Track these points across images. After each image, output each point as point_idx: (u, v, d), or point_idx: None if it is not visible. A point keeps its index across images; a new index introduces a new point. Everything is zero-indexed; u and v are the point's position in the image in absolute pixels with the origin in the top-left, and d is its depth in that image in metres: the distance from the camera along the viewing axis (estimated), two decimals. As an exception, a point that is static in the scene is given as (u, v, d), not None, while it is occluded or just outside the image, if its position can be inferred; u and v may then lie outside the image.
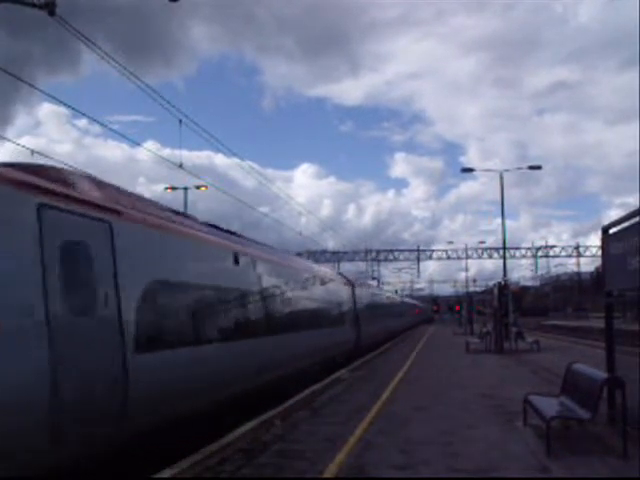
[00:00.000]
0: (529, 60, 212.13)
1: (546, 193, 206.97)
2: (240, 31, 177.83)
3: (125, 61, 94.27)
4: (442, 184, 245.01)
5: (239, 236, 12.38)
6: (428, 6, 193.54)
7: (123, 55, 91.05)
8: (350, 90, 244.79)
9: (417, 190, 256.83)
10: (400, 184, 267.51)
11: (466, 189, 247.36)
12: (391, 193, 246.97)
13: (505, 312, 26.02)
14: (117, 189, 7.76)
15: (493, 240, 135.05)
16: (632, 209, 7.90)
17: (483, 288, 74.29)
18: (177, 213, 9.84)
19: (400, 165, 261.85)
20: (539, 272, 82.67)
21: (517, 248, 67.30)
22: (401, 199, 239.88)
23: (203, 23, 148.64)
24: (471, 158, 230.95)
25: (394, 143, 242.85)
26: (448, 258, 67.06)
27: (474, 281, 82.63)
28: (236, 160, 22.14)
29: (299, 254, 32.84)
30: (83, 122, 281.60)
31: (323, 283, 19.22)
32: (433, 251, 68.74)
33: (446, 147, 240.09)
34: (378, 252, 66.18)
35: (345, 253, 63.12)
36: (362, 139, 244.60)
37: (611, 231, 8.65)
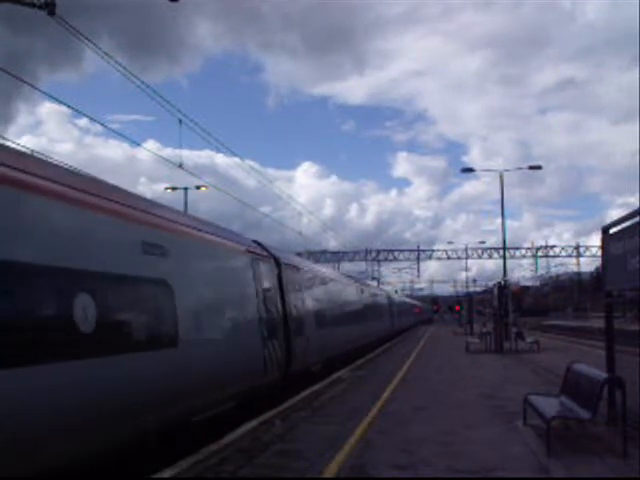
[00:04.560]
0: (536, 58, 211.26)
1: (549, 193, 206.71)
2: (244, 28, 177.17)
3: (129, 58, 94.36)
4: (445, 184, 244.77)
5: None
6: (435, 2, 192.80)
7: (128, 52, 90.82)
8: (354, 88, 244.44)
9: (419, 190, 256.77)
10: (402, 184, 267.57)
11: (469, 188, 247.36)
12: (393, 193, 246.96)
13: (505, 312, 26.03)
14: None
15: (495, 240, 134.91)
16: (633, 209, 7.89)
17: (483, 288, 74.38)
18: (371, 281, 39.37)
19: (402, 165, 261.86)
20: (539, 272, 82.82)
21: (517, 248, 67.38)
22: (403, 199, 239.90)
23: (207, 20, 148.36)
24: (474, 157, 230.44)
25: (396, 142, 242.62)
26: (448, 258, 67.10)
27: (474, 281, 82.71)
28: (236, 160, 22.15)
29: (299, 254, 32.87)
30: (84, 121, 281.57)
31: (382, 298, 37.11)
32: (433, 251, 68.85)
33: (449, 146, 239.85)
34: (378, 252, 66.22)
35: (345, 253, 63.13)
36: (364, 138, 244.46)
37: (611, 231, 8.65)
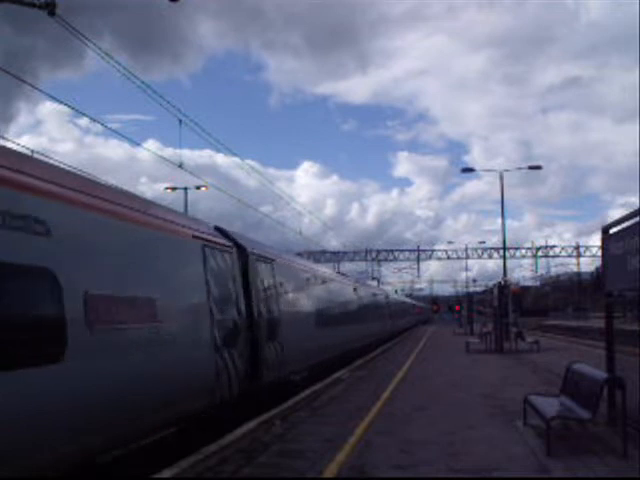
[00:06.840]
0: (539, 57, 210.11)
1: (550, 193, 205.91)
2: (247, 27, 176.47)
3: (131, 57, 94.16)
4: (446, 183, 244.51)
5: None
6: (438, 1, 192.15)
7: (130, 51, 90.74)
8: (356, 87, 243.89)
9: (420, 189, 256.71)
10: (403, 183, 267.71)
11: (470, 188, 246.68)
12: (394, 192, 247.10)
13: (505, 312, 26.03)
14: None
15: (496, 240, 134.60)
16: (634, 209, 7.89)
17: (483, 288, 74.35)
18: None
19: (403, 164, 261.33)
20: (539, 272, 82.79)
21: (517, 248, 67.29)
22: (404, 198, 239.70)
23: (210, 19, 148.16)
24: (475, 157, 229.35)
25: (398, 142, 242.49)
26: (448, 258, 67.09)
27: (474, 281, 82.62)
28: (236, 160, 22.15)
29: (299, 254, 32.89)
30: (85, 120, 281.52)
31: (404, 303, 59.76)
32: (433, 251, 68.82)
33: (450, 146, 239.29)
34: (378, 252, 66.21)
35: (345, 253, 63.13)
36: (365, 138, 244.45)
37: (611, 231, 8.65)
